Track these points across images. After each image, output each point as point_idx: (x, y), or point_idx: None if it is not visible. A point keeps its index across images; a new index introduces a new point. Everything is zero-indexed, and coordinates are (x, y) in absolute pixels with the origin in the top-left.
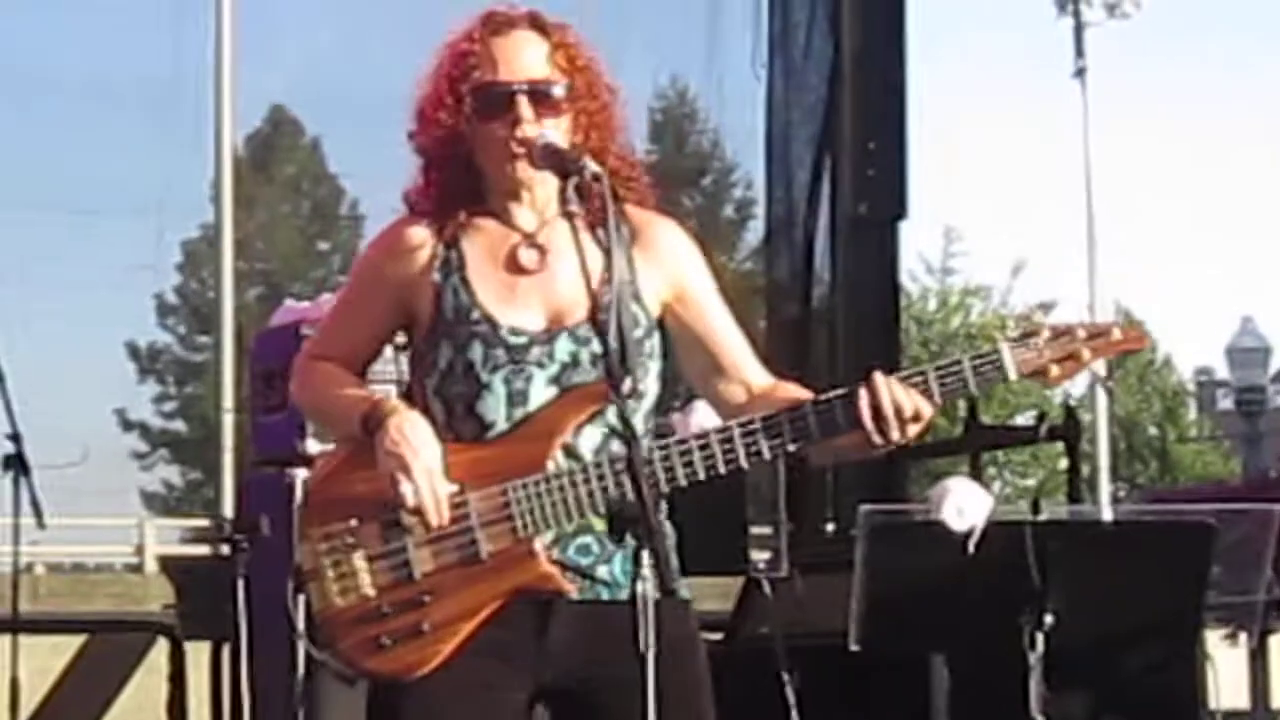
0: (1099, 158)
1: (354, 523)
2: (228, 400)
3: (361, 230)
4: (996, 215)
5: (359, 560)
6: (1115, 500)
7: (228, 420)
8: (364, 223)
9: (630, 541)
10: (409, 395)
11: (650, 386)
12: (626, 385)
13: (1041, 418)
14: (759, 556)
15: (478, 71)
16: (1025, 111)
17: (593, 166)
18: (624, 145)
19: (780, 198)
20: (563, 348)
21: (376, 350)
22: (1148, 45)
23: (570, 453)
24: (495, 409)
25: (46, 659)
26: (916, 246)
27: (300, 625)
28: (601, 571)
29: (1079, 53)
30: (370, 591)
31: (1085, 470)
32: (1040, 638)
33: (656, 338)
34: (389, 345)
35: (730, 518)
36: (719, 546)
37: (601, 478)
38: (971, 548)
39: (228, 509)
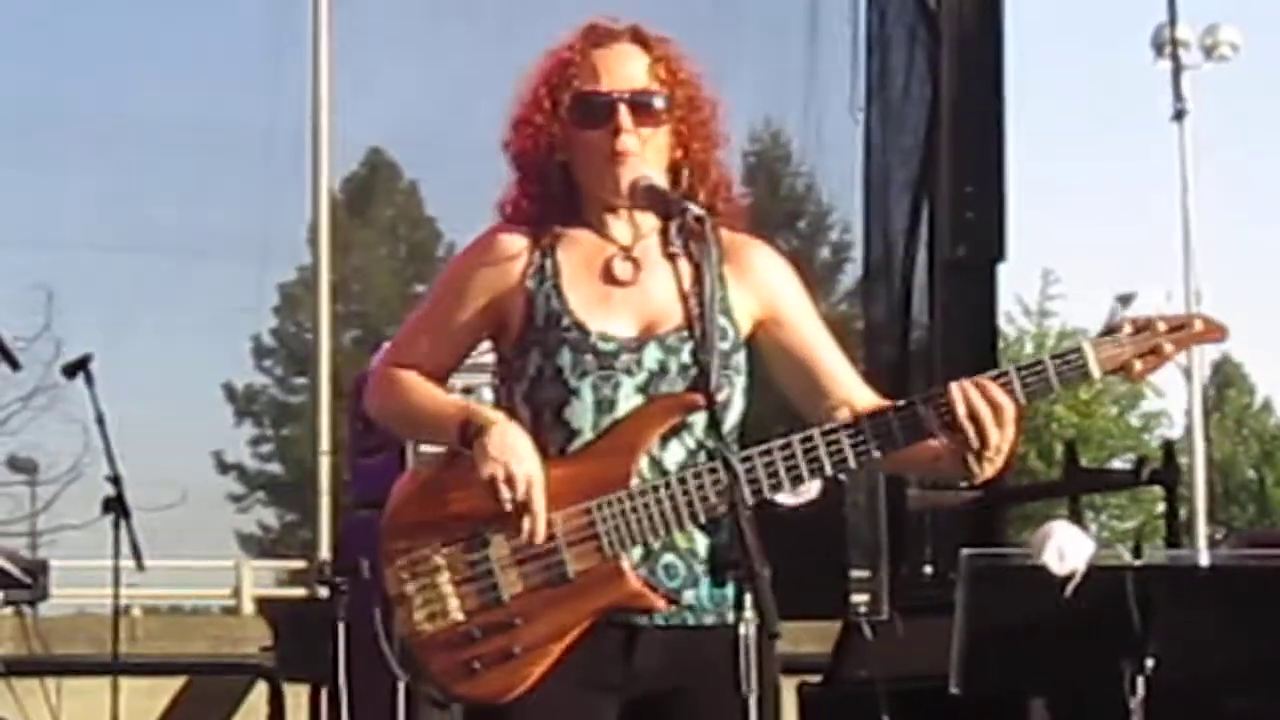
0: (1197, 200)
1: (440, 546)
2: (324, 442)
3: None
4: (1094, 258)
5: (445, 585)
6: (1212, 544)
7: (324, 462)
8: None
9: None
10: (499, 404)
11: (735, 401)
12: (712, 395)
13: (1142, 461)
14: (858, 599)
15: (578, 81)
16: (1123, 153)
17: (695, 209)
18: (723, 161)
19: (878, 240)
20: (651, 356)
21: (460, 359)
22: (1246, 87)
23: (655, 465)
24: (583, 415)
25: (144, 701)
26: (1014, 288)
27: (389, 650)
28: (688, 596)
29: (1177, 95)
30: (459, 616)
31: (1182, 513)
32: (1141, 682)
33: (743, 354)
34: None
35: (831, 561)
36: (820, 590)
37: (686, 492)
38: (1072, 591)
39: (324, 551)
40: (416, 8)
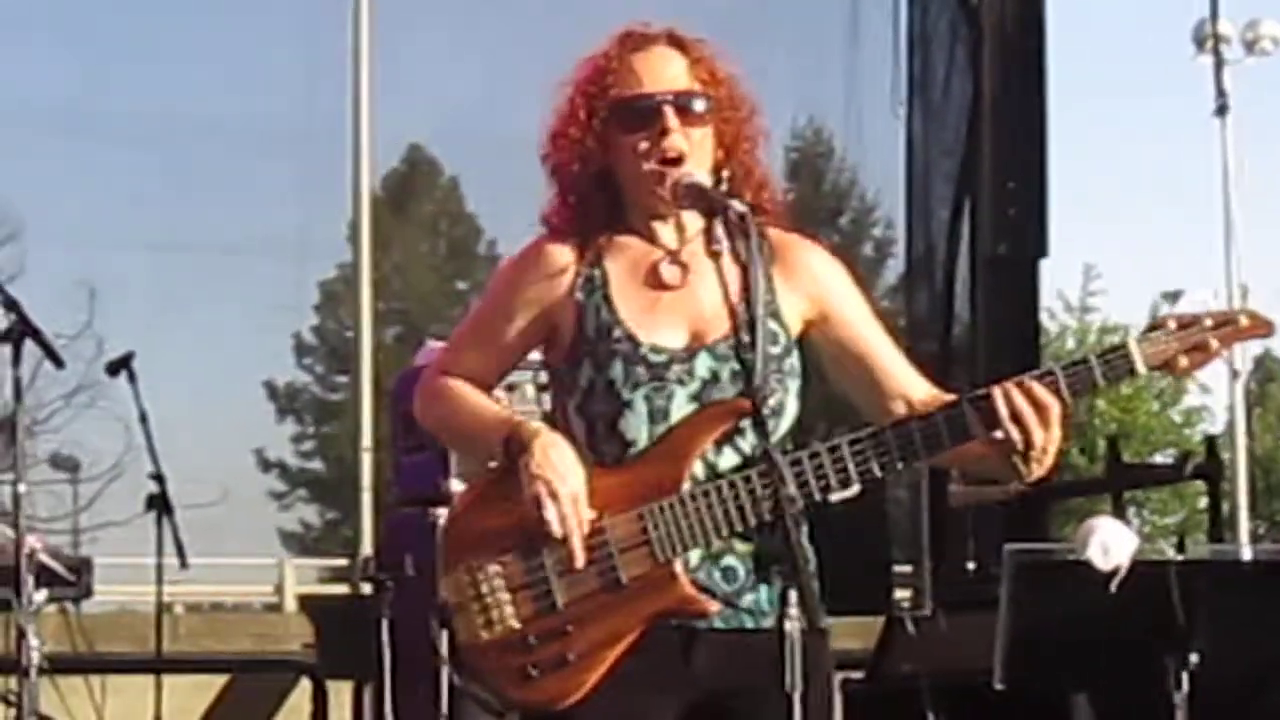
0: (1239, 195)
1: (496, 554)
2: (366, 439)
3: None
4: (1136, 253)
5: (502, 592)
6: (1254, 538)
7: (366, 459)
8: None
9: (776, 578)
10: (551, 417)
11: (789, 405)
12: (762, 401)
13: (1185, 456)
14: (901, 595)
15: (616, 87)
16: (1165, 148)
17: (738, 206)
18: (764, 159)
19: (920, 236)
20: (703, 364)
21: (509, 369)
22: None
23: (710, 470)
24: (637, 427)
25: (187, 698)
26: (1055, 284)
27: (446, 657)
28: (747, 600)
29: (1219, 90)
30: (515, 623)
31: (1224, 508)
32: (1185, 677)
33: (796, 356)
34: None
35: (874, 557)
36: (862, 586)
37: (736, 496)
38: (1116, 587)
39: (366, 548)
40: (456, 4)
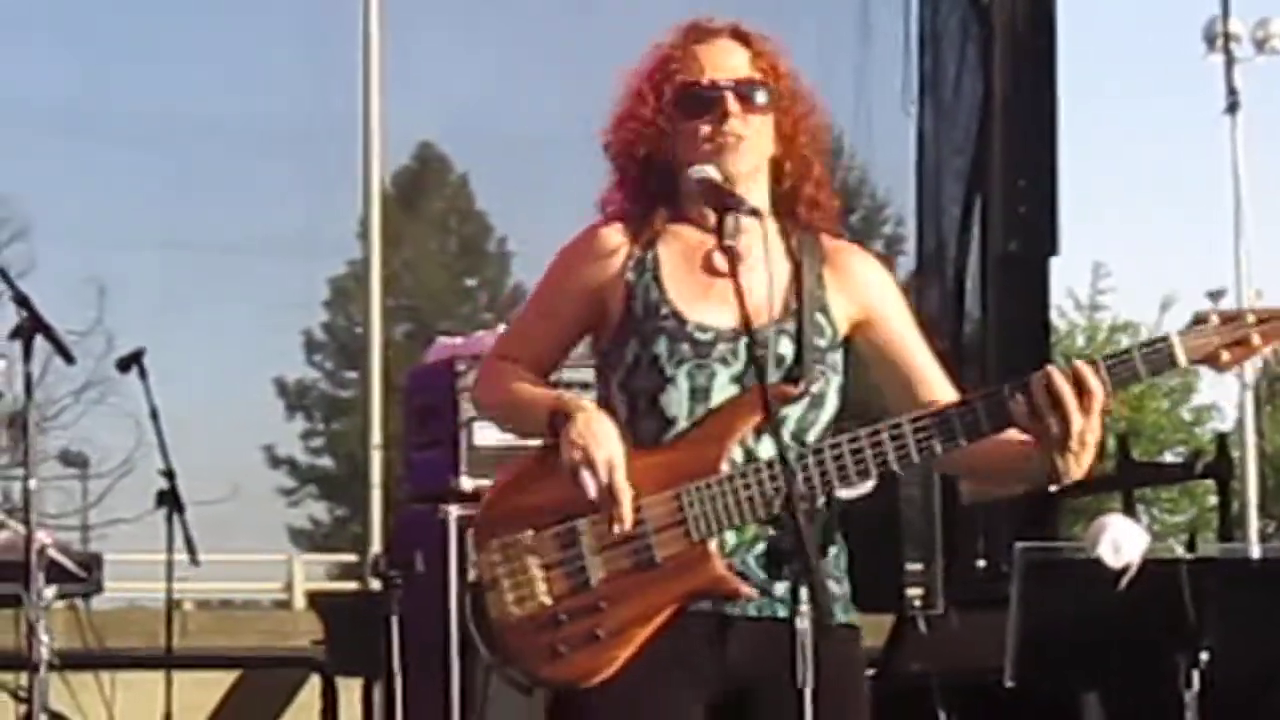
0: (1250, 193)
1: (530, 532)
2: (376, 436)
3: (509, 267)
4: (1145, 251)
5: (535, 569)
6: (1264, 537)
7: (375, 456)
8: (512, 259)
9: (788, 574)
10: (598, 398)
11: (830, 396)
12: (801, 388)
13: (1196, 455)
14: (912, 593)
15: (681, 75)
16: (1174, 146)
17: (750, 203)
18: (824, 161)
19: (930, 234)
20: (746, 348)
21: (564, 353)
22: None
23: (748, 455)
24: (678, 404)
25: (197, 694)
26: (1065, 282)
27: (478, 636)
28: (780, 588)
29: (1230, 88)
30: (547, 600)
31: (1234, 506)
32: (1196, 676)
33: (840, 353)
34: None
35: (887, 555)
36: (874, 584)
37: (775, 478)
38: (1126, 585)
39: (376, 545)
40: (467, 3)
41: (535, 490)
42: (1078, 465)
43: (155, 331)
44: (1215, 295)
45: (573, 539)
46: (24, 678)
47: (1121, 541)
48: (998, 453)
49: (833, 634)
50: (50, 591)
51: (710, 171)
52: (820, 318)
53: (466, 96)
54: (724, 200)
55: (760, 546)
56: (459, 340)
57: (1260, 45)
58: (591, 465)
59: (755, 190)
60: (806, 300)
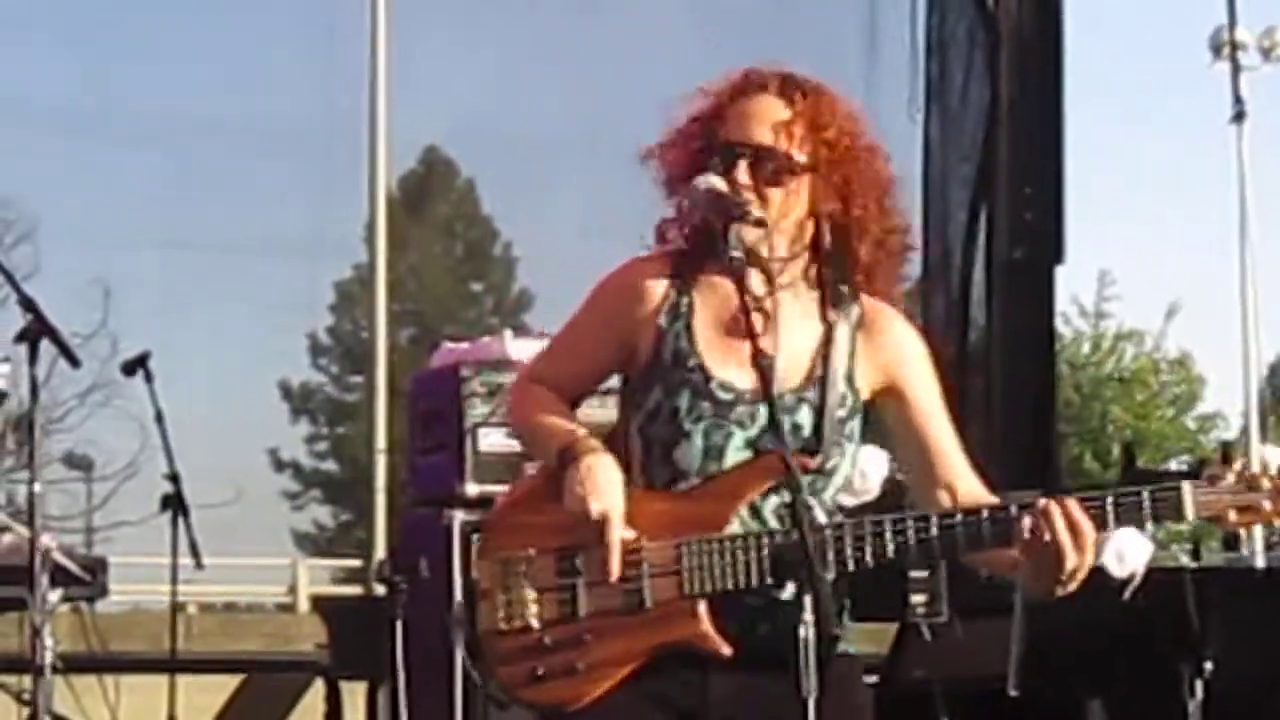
0: (1255, 203)
1: (531, 551)
2: (380, 440)
3: (515, 271)
4: (1151, 259)
5: (529, 589)
6: (1268, 546)
7: (380, 460)
8: (517, 263)
9: (791, 587)
10: (614, 434)
11: (843, 467)
12: (817, 461)
13: (1201, 464)
14: (916, 600)
15: (718, 126)
16: (1180, 155)
17: (757, 212)
18: (891, 211)
19: (936, 240)
20: (766, 412)
21: (594, 384)
22: None
23: (755, 514)
24: (691, 459)
25: (201, 697)
26: (1070, 289)
27: (464, 640)
28: (763, 628)
29: (1236, 97)
30: (534, 623)
31: None
32: (1200, 685)
33: (858, 421)
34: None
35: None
36: (878, 591)
37: (761, 549)
38: (1131, 594)
39: (380, 549)
40: (472, 7)
41: (544, 511)
42: (1064, 590)
43: (160, 334)
44: (1228, 446)
45: (570, 567)
46: (28, 681)
47: (1126, 551)
48: (986, 556)
49: (836, 668)
50: (55, 595)
51: (714, 180)
52: (843, 387)
53: (472, 100)
54: (727, 210)
55: (751, 599)
56: (464, 345)
57: (1267, 54)
58: (587, 515)
59: (780, 256)
60: (832, 371)
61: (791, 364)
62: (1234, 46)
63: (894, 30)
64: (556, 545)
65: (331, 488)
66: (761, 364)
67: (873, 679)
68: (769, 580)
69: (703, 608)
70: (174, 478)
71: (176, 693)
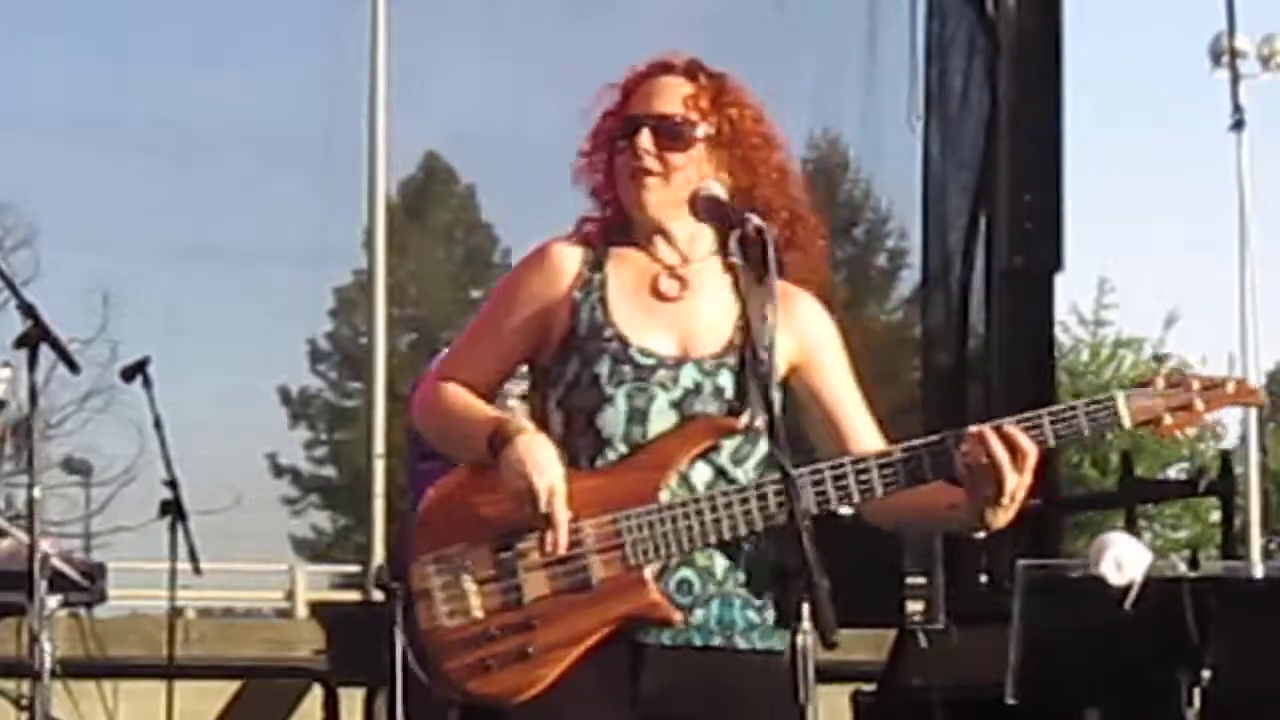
0: (1254, 210)
1: (466, 545)
2: (379, 446)
3: None
4: (1150, 267)
5: (469, 583)
6: (1266, 554)
7: (379, 466)
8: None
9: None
10: (532, 415)
11: (764, 436)
12: (744, 420)
13: (1200, 473)
14: (913, 607)
15: (625, 109)
16: (1179, 163)
17: (755, 220)
18: (799, 200)
19: (936, 248)
20: (688, 375)
21: (507, 374)
22: None
23: (684, 483)
24: (615, 423)
25: (199, 703)
26: (1069, 297)
27: (405, 643)
28: (697, 615)
29: (1235, 105)
30: (479, 614)
31: (1236, 523)
32: (1197, 694)
33: (779, 392)
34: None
35: (887, 569)
36: (876, 597)
37: (714, 510)
38: (1129, 603)
39: (378, 555)
40: (473, 14)
41: (472, 504)
42: (1005, 517)
43: (159, 339)
44: (1160, 358)
45: (509, 555)
46: (27, 686)
47: (1124, 559)
48: (925, 501)
49: (751, 662)
50: (54, 601)
51: (715, 188)
52: (763, 355)
53: (473, 108)
54: (728, 216)
55: (681, 573)
56: None
57: (1266, 62)
58: (532, 492)
59: (687, 226)
60: (753, 336)
61: (710, 331)
62: (1233, 54)
63: (894, 37)
64: (491, 536)
65: (330, 493)
66: (760, 360)
67: (871, 686)
68: (711, 543)
69: (650, 578)
70: (172, 483)
71: (175, 698)
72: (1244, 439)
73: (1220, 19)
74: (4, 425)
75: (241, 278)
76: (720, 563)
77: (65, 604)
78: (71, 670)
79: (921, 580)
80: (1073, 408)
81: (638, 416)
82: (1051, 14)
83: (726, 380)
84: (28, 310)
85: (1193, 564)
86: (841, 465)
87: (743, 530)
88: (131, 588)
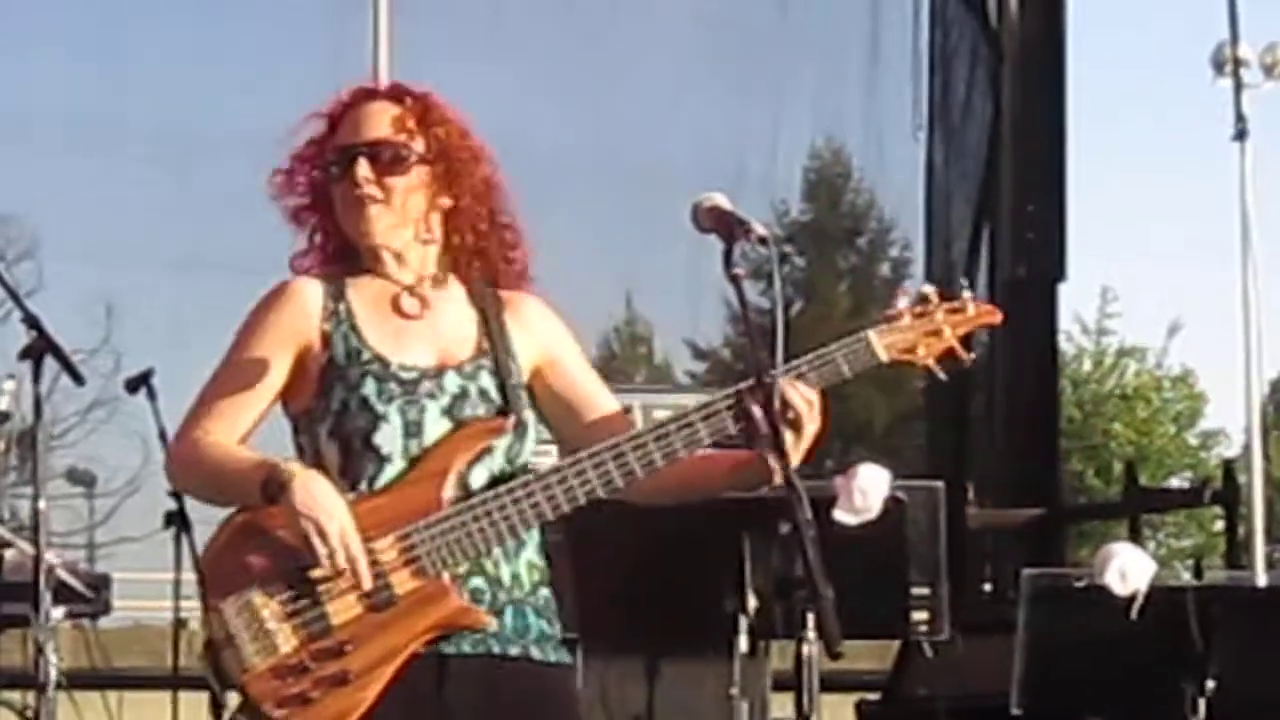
0: (1257, 219)
1: (260, 585)
2: None
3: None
4: (1153, 276)
5: (271, 621)
6: (1270, 564)
7: None
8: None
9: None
10: (301, 458)
11: (531, 430)
12: (513, 420)
13: (1205, 483)
14: (918, 617)
15: (336, 139)
16: (1182, 172)
17: (759, 229)
18: (502, 211)
19: (939, 257)
20: (451, 381)
21: (261, 417)
22: None
23: (463, 488)
24: (392, 439)
25: (201, 714)
26: (1072, 307)
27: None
28: (494, 623)
29: (1238, 114)
30: (289, 648)
31: (1240, 531)
32: (1202, 703)
33: (525, 394)
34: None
35: (892, 579)
36: (880, 607)
37: (488, 514)
38: (1134, 612)
39: None
40: (475, 23)
41: (259, 543)
42: (794, 464)
43: (163, 350)
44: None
45: (306, 589)
46: (31, 697)
47: (1129, 569)
48: (700, 470)
49: (548, 674)
50: (58, 612)
51: (717, 199)
52: (509, 359)
53: (476, 118)
54: (730, 227)
55: (472, 582)
56: None
57: (1269, 71)
58: (324, 537)
59: (416, 246)
60: (497, 341)
61: (457, 341)
62: (1236, 63)
63: (897, 47)
64: (283, 575)
65: None
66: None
67: (875, 696)
68: (501, 545)
69: (450, 584)
70: (177, 494)
71: (179, 709)
72: (1247, 448)
73: (1222, 28)
74: (8, 437)
75: (244, 289)
76: (507, 570)
77: (70, 615)
78: (76, 681)
79: (926, 590)
80: (830, 351)
81: (413, 429)
82: (1054, 24)
83: (488, 382)
84: (32, 322)
85: (1197, 573)
86: (619, 445)
87: (533, 523)
88: (136, 599)
